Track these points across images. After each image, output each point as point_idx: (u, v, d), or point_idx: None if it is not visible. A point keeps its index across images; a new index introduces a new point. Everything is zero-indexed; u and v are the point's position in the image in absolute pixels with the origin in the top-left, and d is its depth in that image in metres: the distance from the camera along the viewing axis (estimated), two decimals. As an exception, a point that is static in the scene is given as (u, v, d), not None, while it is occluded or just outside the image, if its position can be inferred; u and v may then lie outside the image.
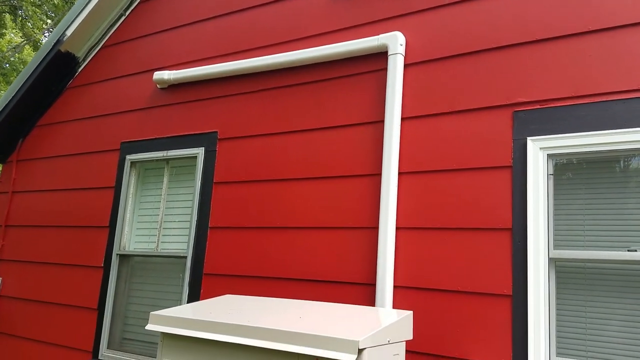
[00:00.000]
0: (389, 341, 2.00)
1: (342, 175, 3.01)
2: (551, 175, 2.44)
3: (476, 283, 2.49)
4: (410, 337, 2.19)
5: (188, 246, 3.50)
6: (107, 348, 3.70)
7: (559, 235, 2.39)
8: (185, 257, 3.52)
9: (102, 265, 3.84)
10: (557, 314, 2.33)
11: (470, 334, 2.45)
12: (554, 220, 2.41)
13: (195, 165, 3.64)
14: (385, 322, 2.03)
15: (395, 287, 2.70)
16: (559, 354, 2.29)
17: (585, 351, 2.25)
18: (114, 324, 3.74)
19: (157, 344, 3.55)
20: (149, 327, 2.26)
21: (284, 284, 3.08)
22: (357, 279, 2.83)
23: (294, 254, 3.08)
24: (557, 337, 2.31)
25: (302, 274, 3.02)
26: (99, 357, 3.68)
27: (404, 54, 2.95)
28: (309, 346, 1.87)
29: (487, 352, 2.39)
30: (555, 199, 2.43)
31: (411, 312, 2.25)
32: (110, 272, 3.79)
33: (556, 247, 2.38)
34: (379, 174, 2.86)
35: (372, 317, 2.17)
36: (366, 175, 2.93)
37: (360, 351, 1.79)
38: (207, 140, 3.61)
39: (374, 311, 2.31)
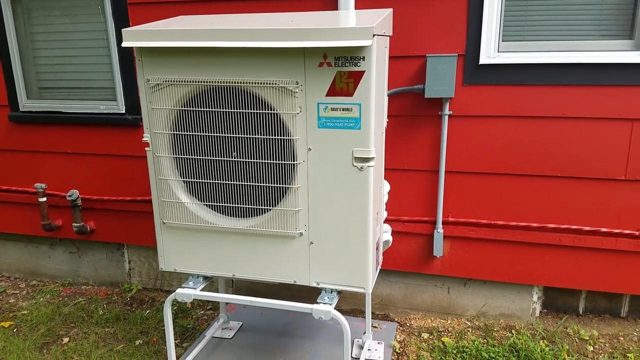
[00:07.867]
0: (384, 32, 2.12)
1: None
2: None
3: (437, -17, 2.60)
4: (391, 34, 2.34)
5: (101, -29, 3.00)
6: (28, 99, 3.36)
7: None
8: (101, -15, 3.04)
9: (-11, 3, 3.18)
10: (506, 6, 2.61)
11: (430, 35, 2.67)
12: None
13: None
14: (380, 16, 2.11)
15: (355, -4, 2.72)
16: (504, 40, 2.65)
17: (523, 36, 2.64)
18: (26, 73, 3.33)
19: (79, 88, 3.30)
20: (125, 44, 2.07)
21: (237, 5, 2.89)
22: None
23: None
24: (504, 26, 2.64)
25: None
26: (21, 110, 3.36)
27: None
28: (319, 39, 1.90)
29: (444, 45, 2.67)
30: None
31: (391, 9, 2.34)
32: (3, 10, 3.17)
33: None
34: None
35: (361, 15, 2.23)
36: None
37: (373, 36, 1.89)
38: None
39: (358, 12, 2.36)
